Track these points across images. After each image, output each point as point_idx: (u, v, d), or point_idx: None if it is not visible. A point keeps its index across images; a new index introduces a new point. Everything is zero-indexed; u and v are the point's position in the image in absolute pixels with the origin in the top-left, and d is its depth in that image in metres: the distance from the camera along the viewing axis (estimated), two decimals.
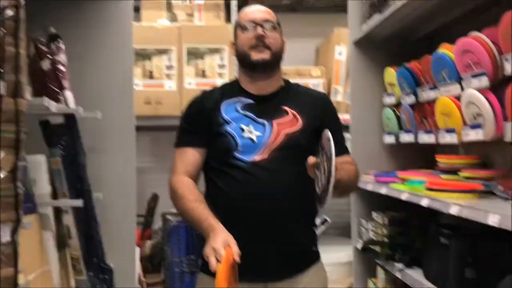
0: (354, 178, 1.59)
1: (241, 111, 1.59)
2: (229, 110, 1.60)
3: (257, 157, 1.53)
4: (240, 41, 1.62)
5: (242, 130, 1.56)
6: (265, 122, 1.57)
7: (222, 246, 1.32)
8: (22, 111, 1.39)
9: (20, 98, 1.39)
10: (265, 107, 1.60)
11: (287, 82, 1.71)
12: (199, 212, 1.47)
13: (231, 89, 1.66)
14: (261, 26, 1.58)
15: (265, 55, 1.57)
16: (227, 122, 1.57)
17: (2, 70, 1.33)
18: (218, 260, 1.29)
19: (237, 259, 1.32)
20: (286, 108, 1.61)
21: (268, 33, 1.58)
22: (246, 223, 1.44)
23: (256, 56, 1.57)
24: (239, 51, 1.62)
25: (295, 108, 1.61)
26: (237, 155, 1.54)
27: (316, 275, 1.59)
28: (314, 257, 1.61)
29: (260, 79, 1.62)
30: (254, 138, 1.55)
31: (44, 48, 2.00)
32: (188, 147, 1.61)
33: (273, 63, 1.60)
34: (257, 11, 1.63)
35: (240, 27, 1.62)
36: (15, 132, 1.37)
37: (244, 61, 1.61)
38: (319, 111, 1.64)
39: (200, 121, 1.61)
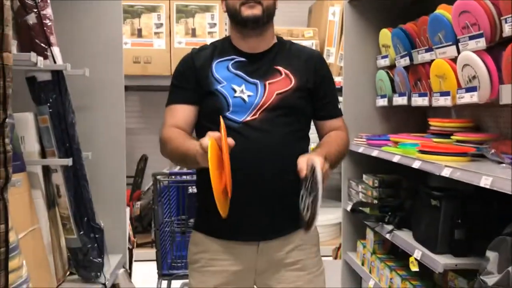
0: (343, 153, 1.59)
1: (232, 70, 1.56)
2: (221, 68, 1.56)
3: (248, 117, 1.50)
4: None
5: (234, 90, 1.52)
6: (257, 82, 1.54)
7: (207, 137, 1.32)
8: (9, 66, 1.34)
9: (6, 52, 1.33)
10: (257, 66, 1.56)
11: (280, 39, 1.66)
12: (189, 143, 1.42)
13: (222, 47, 1.62)
14: None
15: (256, 11, 1.51)
16: (219, 82, 1.54)
17: None
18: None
19: (231, 141, 1.32)
20: (279, 67, 1.57)
21: None
22: (237, 183, 1.43)
23: (247, 11, 1.51)
24: (229, 7, 1.56)
25: (288, 67, 1.58)
26: (229, 115, 1.51)
27: (308, 234, 1.59)
28: None
29: (252, 36, 1.57)
30: (246, 98, 1.52)
31: (29, 1, 1.92)
32: (178, 103, 1.57)
33: (265, 19, 1.55)
34: None
35: None
36: (2, 87, 1.32)
37: (234, 17, 1.55)
38: (312, 71, 1.60)
39: (190, 79, 1.57)
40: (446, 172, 1.66)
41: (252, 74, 1.55)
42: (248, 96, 1.52)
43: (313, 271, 1.57)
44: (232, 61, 1.57)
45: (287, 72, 1.57)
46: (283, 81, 1.55)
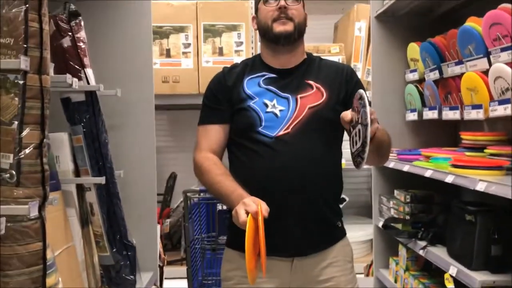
0: (388, 137, 1.56)
1: (264, 86, 1.57)
2: (252, 85, 1.58)
3: (281, 132, 1.51)
4: (262, 13, 1.59)
5: (266, 105, 1.54)
6: (289, 96, 1.55)
7: (253, 202, 1.34)
8: (47, 88, 1.39)
9: (45, 75, 1.38)
10: (288, 81, 1.58)
11: (309, 55, 1.68)
12: (226, 185, 1.46)
13: (253, 64, 1.64)
14: None
15: (288, 27, 1.54)
16: (251, 98, 1.56)
17: (26, 46, 1.33)
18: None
19: (266, 214, 1.33)
20: (310, 81, 1.58)
21: (291, 5, 1.56)
22: (270, 198, 1.43)
23: (278, 27, 1.54)
24: (261, 24, 1.59)
25: (319, 81, 1.59)
26: (261, 130, 1.52)
27: (342, 250, 1.58)
28: (339, 233, 1.60)
29: (283, 52, 1.59)
30: (278, 113, 1.53)
31: (64, 25, 1.99)
32: (211, 124, 1.60)
33: (296, 35, 1.57)
34: None
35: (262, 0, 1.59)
36: (41, 108, 1.37)
37: (266, 34, 1.58)
38: (343, 81, 1.60)
39: (222, 98, 1.59)
40: (480, 186, 1.62)
41: (283, 89, 1.56)
42: (280, 110, 1.53)
43: None
44: (263, 78, 1.59)
45: (318, 85, 1.58)
46: (315, 95, 1.56)
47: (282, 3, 1.54)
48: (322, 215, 1.49)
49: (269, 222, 1.37)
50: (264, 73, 1.59)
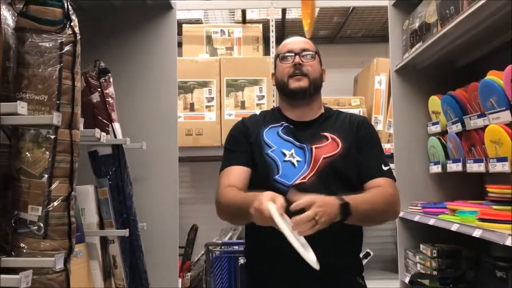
0: (377, 205, 1.48)
1: (282, 136, 1.62)
2: (271, 134, 1.62)
3: (297, 181, 1.52)
4: (279, 70, 1.67)
5: (284, 154, 1.57)
6: (305, 146, 1.59)
7: (266, 198, 1.30)
8: (77, 142, 1.44)
9: (75, 130, 1.43)
10: (305, 133, 1.62)
11: (327, 109, 1.73)
12: (243, 197, 1.43)
13: (272, 115, 1.70)
14: (299, 55, 1.63)
15: (303, 83, 1.61)
16: (269, 146, 1.59)
17: (58, 102, 1.38)
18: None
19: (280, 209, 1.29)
20: (326, 133, 1.62)
21: (306, 62, 1.63)
22: (285, 250, 1.42)
23: (294, 84, 1.62)
24: (278, 80, 1.67)
25: (335, 133, 1.62)
26: (278, 178, 1.54)
27: None
28: None
29: (300, 106, 1.65)
30: (295, 163, 1.55)
31: (94, 81, 2.07)
32: (233, 165, 1.59)
33: (312, 90, 1.63)
34: (295, 42, 1.68)
35: (279, 57, 1.68)
36: (70, 162, 1.41)
37: (283, 89, 1.66)
38: (354, 134, 1.63)
39: (244, 142, 1.63)
40: (510, 241, 1.58)
41: (300, 140, 1.60)
42: (298, 161, 1.56)
43: None
44: (282, 127, 1.63)
45: (334, 137, 1.61)
46: (330, 145, 1.59)
47: (297, 59, 1.62)
48: (339, 270, 1.46)
49: (282, 277, 1.36)
50: (282, 122, 1.64)
